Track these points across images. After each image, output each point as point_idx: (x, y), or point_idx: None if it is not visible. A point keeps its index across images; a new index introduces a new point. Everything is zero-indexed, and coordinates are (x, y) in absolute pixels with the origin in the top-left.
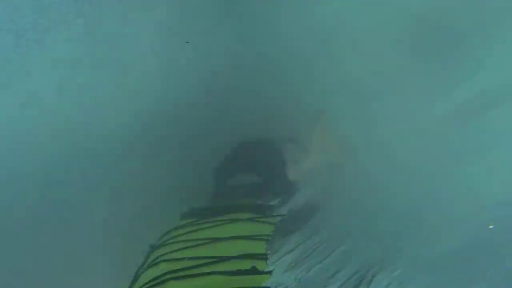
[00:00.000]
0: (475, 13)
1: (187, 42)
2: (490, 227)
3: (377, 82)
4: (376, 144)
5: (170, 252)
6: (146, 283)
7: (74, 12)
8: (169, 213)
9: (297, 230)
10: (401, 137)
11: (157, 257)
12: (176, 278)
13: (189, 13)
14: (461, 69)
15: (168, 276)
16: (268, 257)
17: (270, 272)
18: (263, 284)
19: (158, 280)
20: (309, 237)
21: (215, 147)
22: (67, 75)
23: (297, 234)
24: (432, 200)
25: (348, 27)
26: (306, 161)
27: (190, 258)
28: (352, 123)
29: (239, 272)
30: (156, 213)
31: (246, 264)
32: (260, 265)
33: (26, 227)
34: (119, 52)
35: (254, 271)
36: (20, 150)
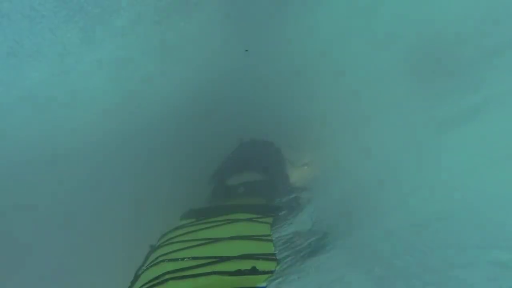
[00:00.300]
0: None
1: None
2: None
3: (374, 95)
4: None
5: (170, 252)
6: (146, 283)
7: (93, 3)
8: (169, 213)
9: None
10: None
11: (157, 257)
12: (176, 278)
13: (203, 19)
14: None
15: (168, 276)
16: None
17: (270, 272)
18: (263, 284)
19: (158, 280)
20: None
21: (216, 148)
22: (73, 66)
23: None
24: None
25: (349, 42)
26: (303, 163)
27: (190, 258)
28: (346, 129)
29: (239, 272)
30: (156, 213)
31: (246, 264)
32: (260, 265)
33: (26, 226)
34: (127, 50)
35: (254, 271)
36: (13, 150)
